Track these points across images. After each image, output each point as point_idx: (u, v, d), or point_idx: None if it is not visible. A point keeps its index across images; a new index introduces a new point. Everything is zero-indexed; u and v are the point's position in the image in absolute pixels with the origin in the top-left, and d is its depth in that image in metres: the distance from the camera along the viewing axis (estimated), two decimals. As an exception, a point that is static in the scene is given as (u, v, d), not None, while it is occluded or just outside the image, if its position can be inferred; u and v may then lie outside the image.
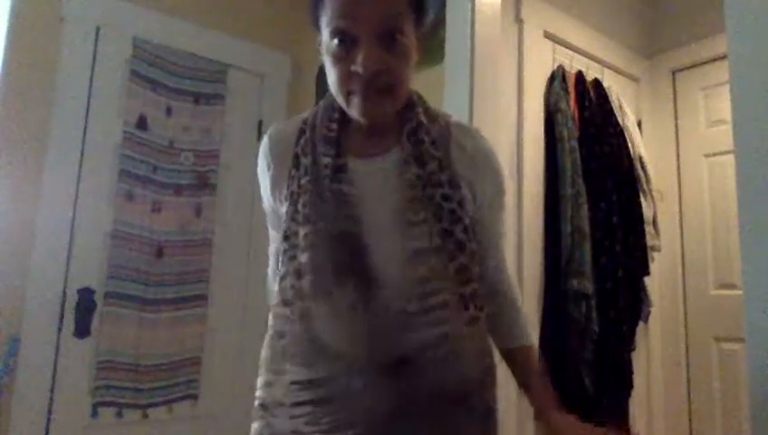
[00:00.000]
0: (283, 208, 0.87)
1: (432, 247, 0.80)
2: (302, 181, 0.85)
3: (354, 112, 0.82)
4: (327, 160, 0.84)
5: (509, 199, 1.98)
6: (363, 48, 0.77)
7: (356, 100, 0.81)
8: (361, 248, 0.79)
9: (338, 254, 0.79)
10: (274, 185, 0.90)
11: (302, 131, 0.90)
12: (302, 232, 0.81)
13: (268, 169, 0.92)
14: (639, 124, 2.53)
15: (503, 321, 0.96)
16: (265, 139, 0.94)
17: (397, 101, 0.84)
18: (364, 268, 0.77)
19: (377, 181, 0.85)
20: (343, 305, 0.76)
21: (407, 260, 0.79)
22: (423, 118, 0.89)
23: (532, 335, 1.00)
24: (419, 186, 0.83)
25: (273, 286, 0.89)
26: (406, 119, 0.88)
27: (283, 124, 0.95)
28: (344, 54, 0.79)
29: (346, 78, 0.80)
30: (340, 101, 0.84)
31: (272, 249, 1.01)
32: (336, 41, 0.79)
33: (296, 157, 0.88)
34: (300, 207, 0.83)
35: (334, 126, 0.87)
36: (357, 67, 0.77)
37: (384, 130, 0.88)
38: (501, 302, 0.97)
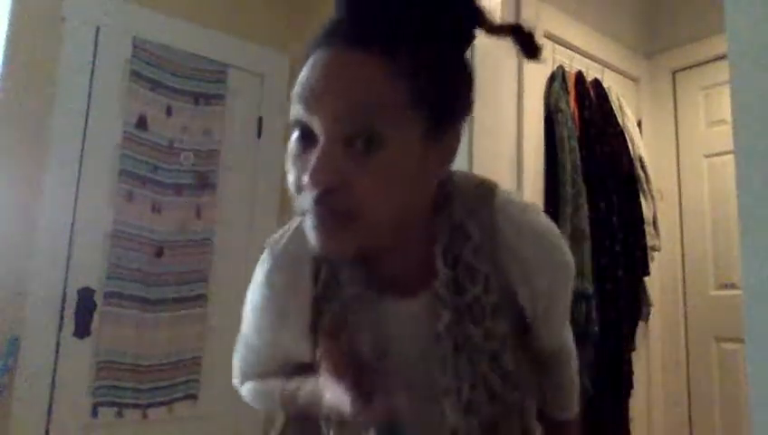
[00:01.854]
0: (304, 345, 0.71)
1: (460, 405, 0.65)
2: (330, 317, 0.69)
3: (311, 242, 0.59)
4: (352, 291, 0.68)
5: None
6: (318, 150, 0.55)
7: (309, 223, 0.58)
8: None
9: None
10: (286, 318, 0.72)
11: (315, 261, 0.70)
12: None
13: (277, 302, 0.72)
14: (639, 124, 2.53)
15: (552, 388, 0.85)
16: (271, 267, 0.72)
17: (367, 235, 0.58)
18: None
19: (406, 331, 0.68)
20: None
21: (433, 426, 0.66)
22: (462, 217, 0.68)
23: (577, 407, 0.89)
24: (452, 331, 0.66)
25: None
26: (439, 227, 0.67)
27: (290, 242, 0.72)
28: (300, 155, 0.58)
29: (298, 190, 0.59)
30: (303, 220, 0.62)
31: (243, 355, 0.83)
32: (295, 134, 0.59)
33: (319, 287, 0.70)
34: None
35: None
36: (306, 177, 0.55)
37: (409, 246, 0.67)
38: (555, 373, 0.84)
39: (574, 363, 0.86)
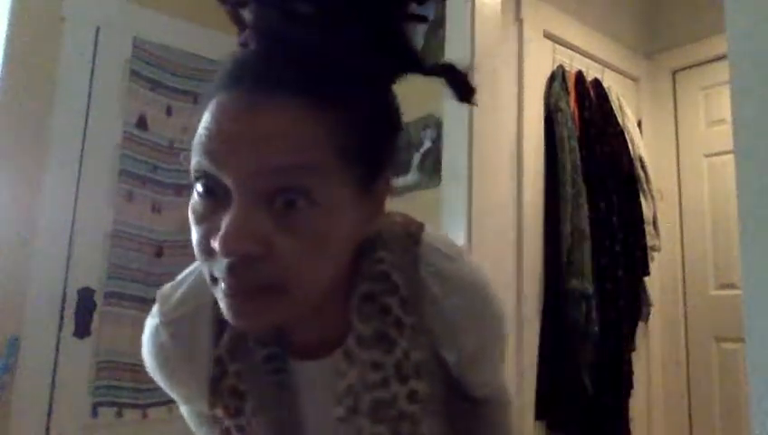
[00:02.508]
0: (206, 408, 0.64)
1: None
2: (238, 387, 0.61)
3: (224, 314, 0.50)
4: (264, 353, 0.60)
5: (509, 199, 1.98)
6: (232, 211, 0.45)
7: (220, 295, 0.49)
8: None
9: None
10: (186, 386, 0.65)
11: (217, 318, 0.60)
12: None
13: (172, 371, 0.64)
14: (639, 124, 2.53)
15: None
16: (161, 334, 0.62)
17: (295, 307, 0.50)
18: None
19: (318, 394, 0.61)
20: None
21: None
22: (387, 267, 0.60)
23: None
24: (362, 392, 0.59)
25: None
26: (360, 278, 0.59)
27: (184, 299, 0.64)
28: (206, 212, 0.48)
29: (205, 253, 0.48)
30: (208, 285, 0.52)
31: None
32: (198, 187, 0.48)
33: (222, 346, 0.62)
34: (233, 419, 0.62)
35: None
36: (216, 242, 0.45)
37: (326, 305, 0.58)
38: (485, 422, 0.74)
39: (508, 415, 0.76)
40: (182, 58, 2.25)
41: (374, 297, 0.59)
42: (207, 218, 0.48)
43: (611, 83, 2.39)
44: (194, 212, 0.49)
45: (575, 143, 2.09)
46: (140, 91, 2.13)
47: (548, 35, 2.20)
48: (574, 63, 2.28)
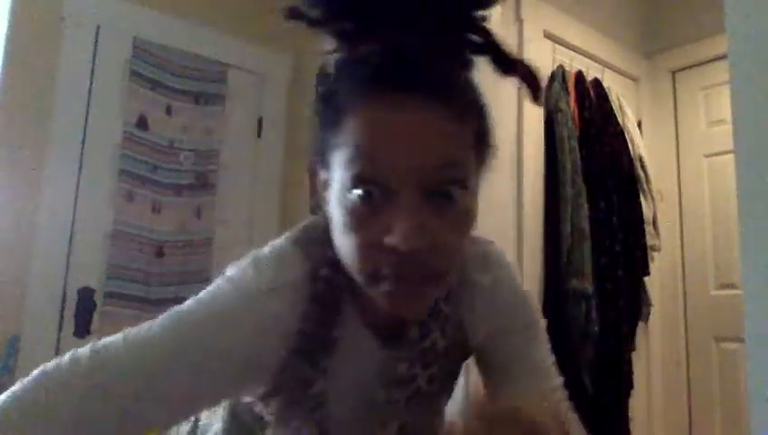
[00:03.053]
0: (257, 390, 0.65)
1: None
2: (291, 363, 0.62)
3: (380, 304, 0.55)
4: (315, 330, 0.62)
5: (509, 199, 1.98)
6: (404, 208, 0.50)
7: (385, 288, 0.53)
8: None
9: None
10: (249, 368, 0.61)
11: (310, 289, 0.62)
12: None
13: (235, 344, 0.58)
14: (639, 124, 2.53)
15: None
16: (265, 288, 0.60)
17: (443, 289, 0.59)
18: None
19: (365, 372, 0.65)
20: None
21: None
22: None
23: None
24: (408, 375, 0.66)
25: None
26: None
27: (279, 266, 0.62)
28: (370, 216, 0.51)
29: (370, 254, 0.52)
30: (358, 281, 0.55)
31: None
32: (358, 193, 0.51)
33: (303, 325, 0.62)
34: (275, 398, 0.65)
35: (339, 279, 0.61)
36: (393, 239, 0.49)
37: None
38: None
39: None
40: (182, 58, 2.25)
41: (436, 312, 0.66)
42: (370, 221, 0.51)
43: (611, 83, 2.39)
44: (354, 217, 0.52)
45: (575, 143, 2.09)
46: (140, 91, 2.13)
47: (548, 35, 2.20)
48: (574, 63, 2.28)
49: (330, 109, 0.55)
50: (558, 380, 0.73)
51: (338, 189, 0.53)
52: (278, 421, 0.67)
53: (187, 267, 2.15)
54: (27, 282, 1.83)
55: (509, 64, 0.59)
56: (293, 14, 0.56)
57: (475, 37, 0.57)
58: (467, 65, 0.58)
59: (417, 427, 0.67)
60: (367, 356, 0.65)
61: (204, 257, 2.20)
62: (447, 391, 0.73)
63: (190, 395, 0.57)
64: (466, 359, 0.73)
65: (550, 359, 0.73)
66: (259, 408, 0.68)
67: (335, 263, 0.59)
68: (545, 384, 0.71)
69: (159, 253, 2.09)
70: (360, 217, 0.52)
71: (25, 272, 1.83)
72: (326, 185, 0.57)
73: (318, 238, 0.62)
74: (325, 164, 0.57)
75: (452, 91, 0.53)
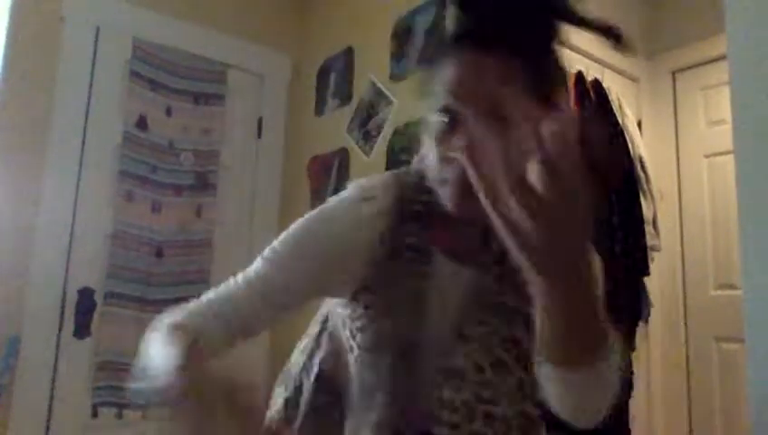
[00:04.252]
0: (350, 288, 0.78)
1: (490, 362, 0.74)
2: (385, 263, 0.76)
3: (446, 204, 0.71)
4: (412, 240, 0.76)
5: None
6: (465, 129, 0.68)
7: (448, 191, 0.70)
8: (416, 363, 0.74)
9: (395, 378, 0.74)
10: (352, 266, 0.76)
11: (397, 205, 0.78)
12: (363, 334, 0.76)
13: (345, 261, 0.77)
14: (639, 124, 2.52)
15: None
16: (360, 198, 0.79)
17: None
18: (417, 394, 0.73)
19: (453, 291, 0.76)
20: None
21: (463, 380, 0.74)
22: None
23: None
24: (493, 296, 0.76)
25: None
26: None
27: (373, 200, 0.79)
28: (446, 135, 0.70)
29: (442, 162, 0.70)
30: (435, 186, 0.73)
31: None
32: (441, 119, 0.71)
33: (390, 231, 0.77)
34: (369, 297, 0.76)
35: (425, 198, 0.77)
36: (452, 152, 0.68)
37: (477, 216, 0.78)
38: None
39: None
40: (182, 58, 2.25)
41: None
42: (446, 139, 0.70)
43: (611, 83, 2.39)
44: (436, 135, 0.71)
45: (575, 143, 2.09)
46: (140, 91, 2.13)
47: (548, 35, 2.20)
48: (574, 64, 2.28)
49: (429, 59, 0.76)
50: None
51: (430, 115, 0.72)
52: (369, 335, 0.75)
53: (186, 267, 2.15)
54: (27, 282, 1.83)
55: (581, 23, 0.75)
56: None
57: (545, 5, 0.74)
58: (538, 26, 0.74)
59: (510, 339, 0.75)
60: (452, 278, 0.76)
61: (204, 257, 2.20)
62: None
63: (307, 278, 0.78)
64: None
65: None
66: (348, 332, 0.78)
67: (422, 188, 0.76)
68: None
69: (159, 253, 2.09)
70: (440, 136, 0.71)
71: (25, 272, 1.83)
72: (426, 121, 0.75)
73: (409, 172, 0.82)
74: (423, 97, 0.75)
75: (513, 49, 0.70)
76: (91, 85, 2.03)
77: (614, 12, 2.55)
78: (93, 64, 2.05)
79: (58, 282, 1.89)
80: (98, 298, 1.95)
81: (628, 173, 2.26)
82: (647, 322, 2.38)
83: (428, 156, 0.74)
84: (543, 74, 0.74)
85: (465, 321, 0.75)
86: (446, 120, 0.70)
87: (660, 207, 2.43)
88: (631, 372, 2.15)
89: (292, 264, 0.79)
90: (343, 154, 2.25)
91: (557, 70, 0.79)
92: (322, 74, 2.46)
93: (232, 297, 0.79)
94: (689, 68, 2.63)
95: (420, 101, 0.78)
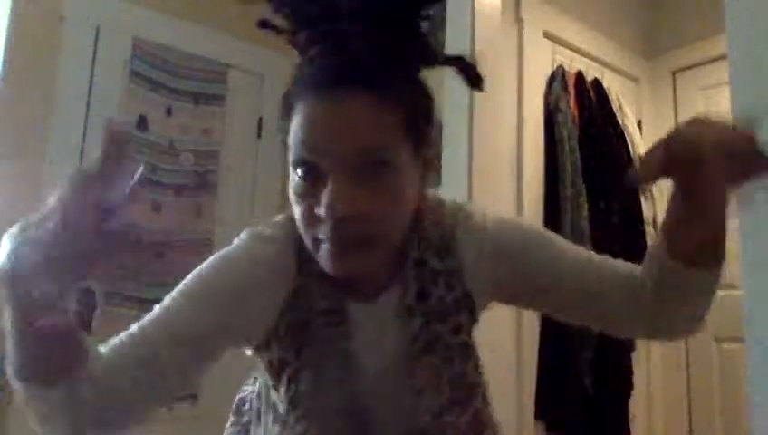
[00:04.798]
0: (253, 343, 0.72)
1: (442, 403, 0.69)
2: (295, 328, 0.69)
3: (323, 265, 0.64)
4: (324, 305, 0.69)
5: (509, 199, 1.98)
6: (330, 185, 0.59)
7: (323, 251, 0.62)
8: (367, 423, 0.68)
9: (339, 431, 0.68)
10: (244, 303, 0.68)
11: (300, 259, 0.70)
12: (296, 405, 0.69)
13: (253, 282, 0.69)
14: (639, 124, 2.53)
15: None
16: (251, 261, 0.70)
17: (381, 253, 0.65)
18: None
19: (375, 333, 0.71)
20: None
21: (419, 426, 0.69)
22: (429, 232, 0.72)
23: None
24: (423, 333, 0.69)
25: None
26: (409, 241, 0.71)
27: (271, 243, 0.72)
28: (308, 191, 0.62)
29: (309, 222, 0.62)
30: (308, 246, 0.65)
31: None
32: (299, 173, 0.62)
33: (295, 294, 0.69)
34: (291, 367, 0.69)
35: None
36: (321, 210, 0.59)
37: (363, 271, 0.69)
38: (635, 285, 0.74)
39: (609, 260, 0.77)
40: (182, 58, 2.25)
41: (421, 261, 0.71)
42: (309, 195, 0.61)
43: (611, 84, 2.39)
44: (296, 192, 0.63)
45: (575, 143, 2.09)
46: (140, 91, 2.13)
47: (548, 36, 2.20)
48: (574, 64, 2.28)
49: (285, 105, 0.66)
50: (601, 255, 0.78)
51: (290, 170, 0.64)
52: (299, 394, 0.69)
53: (186, 268, 2.14)
54: (27, 282, 1.83)
55: (438, 60, 0.68)
56: (264, 25, 0.69)
57: (407, 39, 0.65)
58: (401, 61, 0.65)
59: (455, 374, 0.70)
60: (374, 322, 0.71)
61: (204, 257, 2.19)
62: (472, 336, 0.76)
63: (214, 329, 0.67)
64: (480, 305, 0.76)
65: (574, 245, 0.77)
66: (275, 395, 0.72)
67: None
68: (594, 258, 0.76)
69: (159, 253, 2.09)
70: (301, 192, 0.63)
71: (25, 272, 1.83)
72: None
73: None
74: (285, 145, 0.67)
75: (381, 88, 0.61)
76: (91, 85, 2.03)
77: (614, 12, 2.56)
78: (93, 64, 2.05)
79: (58, 282, 1.90)
80: (98, 298, 1.95)
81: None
82: (647, 322, 2.38)
83: (295, 215, 0.66)
84: (422, 115, 0.67)
85: (410, 370, 0.69)
86: (303, 174, 0.62)
87: (660, 207, 2.43)
88: (631, 372, 2.15)
89: (197, 299, 0.69)
90: (343, 154, 2.26)
91: (428, 106, 0.69)
92: (322, 74, 2.47)
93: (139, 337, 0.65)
94: (689, 68, 2.63)
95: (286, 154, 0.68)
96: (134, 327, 0.65)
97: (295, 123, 0.62)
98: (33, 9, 1.94)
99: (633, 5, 2.70)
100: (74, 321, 0.49)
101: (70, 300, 0.47)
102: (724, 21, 1.06)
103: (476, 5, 1.78)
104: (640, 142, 2.37)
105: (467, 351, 0.72)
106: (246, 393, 0.88)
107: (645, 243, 2.25)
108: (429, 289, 0.71)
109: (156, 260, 2.09)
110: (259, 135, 2.43)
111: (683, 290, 0.70)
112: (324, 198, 0.59)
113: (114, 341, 0.65)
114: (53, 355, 0.53)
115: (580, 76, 2.23)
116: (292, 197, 0.65)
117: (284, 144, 0.67)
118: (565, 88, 2.15)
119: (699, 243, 0.64)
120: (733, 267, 2.47)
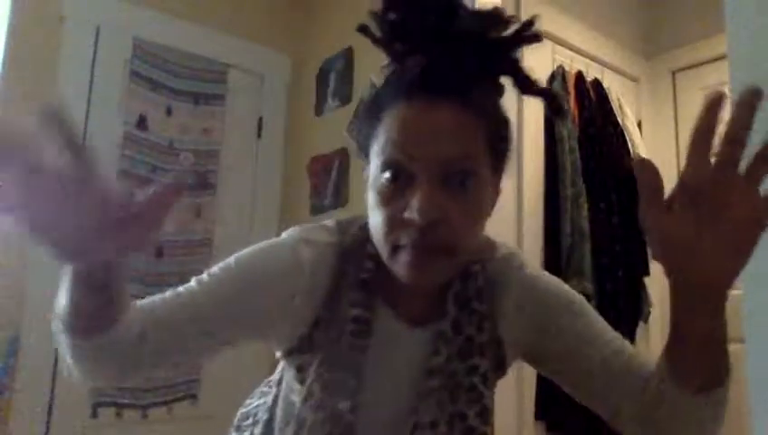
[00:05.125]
0: (285, 345, 0.73)
1: None
2: (322, 333, 0.70)
3: (398, 272, 0.63)
4: (354, 313, 0.69)
5: (509, 199, 1.98)
6: (421, 189, 0.59)
7: (403, 257, 0.62)
8: None
9: None
10: (287, 315, 0.70)
11: (340, 267, 0.71)
12: (301, 404, 0.69)
13: (289, 297, 0.69)
14: (639, 124, 2.52)
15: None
16: (295, 258, 0.70)
17: (456, 264, 0.66)
18: None
19: (392, 352, 0.71)
20: None
21: None
22: (477, 271, 0.73)
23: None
24: (441, 371, 0.70)
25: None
26: (457, 276, 0.72)
27: (315, 246, 0.72)
28: (395, 195, 0.62)
29: (393, 226, 0.62)
30: (383, 252, 0.65)
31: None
32: (387, 175, 0.62)
33: (330, 301, 0.70)
34: (308, 369, 0.70)
35: (370, 265, 0.70)
36: (410, 213, 0.59)
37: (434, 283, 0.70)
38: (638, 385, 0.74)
39: (639, 356, 0.77)
40: (182, 58, 2.25)
41: (462, 289, 0.72)
42: (395, 199, 0.62)
43: (611, 84, 2.39)
44: (381, 195, 0.63)
45: (575, 143, 2.09)
46: (140, 91, 2.13)
47: (548, 36, 2.20)
48: (574, 64, 2.28)
49: (374, 108, 0.66)
50: (626, 343, 0.78)
51: (373, 174, 0.65)
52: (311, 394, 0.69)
53: (186, 267, 2.15)
54: (27, 282, 1.83)
55: (528, 86, 0.69)
56: (363, 30, 0.69)
57: (500, 62, 0.68)
58: (490, 83, 0.68)
59: (456, 415, 0.69)
60: (399, 343, 0.71)
61: (203, 257, 2.20)
62: (490, 385, 0.75)
63: (239, 319, 0.69)
64: (510, 357, 0.77)
65: (605, 325, 0.79)
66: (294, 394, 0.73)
67: (365, 255, 0.71)
68: (613, 345, 0.76)
69: (159, 253, 2.09)
70: (387, 196, 0.62)
71: (25, 272, 1.83)
72: (366, 176, 0.68)
73: (355, 222, 0.75)
74: (366, 155, 0.68)
75: (471, 100, 0.63)
76: (91, 85, 2.04)
77: (614, 12, 2.56)
78: (93, 64, 2.05)
79: (59, 282, 1.89)
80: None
81: (628, 173, 2.25)
82: (646, 322, 2.38)
83: (372, 219, 0.65)
84: (501, 135, 0.68)
85: (413, 404, 0.69)
86: (391, 177, 0.62)
87: (660, 207, 2.42)
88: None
89: (227, 285, 0.70)
90: (343, 154, 2.25)
91: (508, 129, 0.70)
92: (322, 74, 2.46)
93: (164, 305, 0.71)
94: (689, 68, 2.63)
95: (359, 155, 0.71)
96: (169, 292, 0.71)
97: (386, 125, 0.63)
98: (33, 9, 1.94)
99: (633, 5, 2.70)
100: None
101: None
102: (724, 21, 1.06)
103: (476, 6, 1.78)
104: (640, 142, 2.37)
105: (475, 395, 0.70)
106: (250, 408, 0.86)
107: (645, 243, 2.25)
108: (462, 325, 0.71)
109: (156, 260, 2.09)
110: (259, 135, 2.43)
111: (681, 420, 0.66)
112: (416, 201, 0.59)
113: (146, 300, 0.71)
114: (102, 296, 0.60)
115: (580, 76, 2.23)
116: (373, 201, 0.64)
117: (360, 146, 0.70)
118: (565, 88, 2.15)
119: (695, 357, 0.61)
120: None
